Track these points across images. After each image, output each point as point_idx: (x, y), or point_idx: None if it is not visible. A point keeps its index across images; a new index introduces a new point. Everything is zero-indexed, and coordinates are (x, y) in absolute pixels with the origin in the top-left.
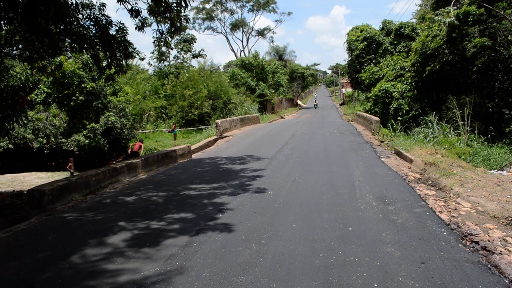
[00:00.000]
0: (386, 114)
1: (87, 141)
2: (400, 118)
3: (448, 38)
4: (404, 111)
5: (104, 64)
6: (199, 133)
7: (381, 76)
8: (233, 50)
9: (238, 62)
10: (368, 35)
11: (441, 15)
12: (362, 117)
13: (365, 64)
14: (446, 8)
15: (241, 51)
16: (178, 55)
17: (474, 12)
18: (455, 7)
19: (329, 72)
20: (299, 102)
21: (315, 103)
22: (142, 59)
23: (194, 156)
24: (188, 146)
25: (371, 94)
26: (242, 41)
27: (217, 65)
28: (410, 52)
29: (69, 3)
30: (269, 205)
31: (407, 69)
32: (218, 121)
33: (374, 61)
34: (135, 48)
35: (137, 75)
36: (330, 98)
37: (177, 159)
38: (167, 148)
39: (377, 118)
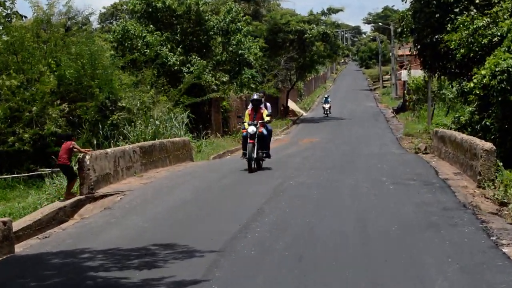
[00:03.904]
0: (511, 133)
1: None
2: None
3: None
4: None
5: None
6: (36, 186)
7: (496, 39)
8: None
9: (137, 6)
10: None
11: None
12: (449, 141)
13: (456, 11)
14: None
15: None
16: None
17: None
18: None
19: (367, 29)
20: (292, 105)
21: None
22: None
23: (19, 247)
24: (2, 223)
25: (472, 85)
26: None
27: (83, 13)
28: None
29: None
30: None
31: None
32: (86, 156)
33: (477, 3)
34: None
35: None
36: (370, 94)
37: None
38: None
39: (488, 145)
